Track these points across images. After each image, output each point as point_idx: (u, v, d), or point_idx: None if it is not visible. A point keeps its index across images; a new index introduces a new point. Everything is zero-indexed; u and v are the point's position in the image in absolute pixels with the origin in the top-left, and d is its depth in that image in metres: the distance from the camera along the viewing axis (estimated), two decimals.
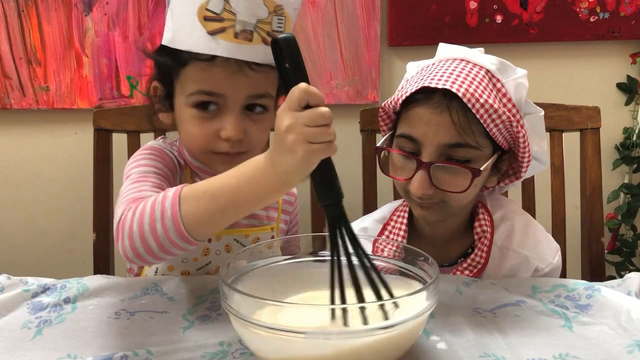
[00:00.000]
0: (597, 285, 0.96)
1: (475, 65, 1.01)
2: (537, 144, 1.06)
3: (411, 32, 1.68)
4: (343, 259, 0.74)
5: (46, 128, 1.71)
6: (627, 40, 1.75)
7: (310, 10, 1.64)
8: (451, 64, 1.01)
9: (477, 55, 1.02)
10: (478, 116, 0.96)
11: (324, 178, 0.73)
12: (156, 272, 1.07)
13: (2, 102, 1.65)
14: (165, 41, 0.97)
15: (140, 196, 0.86)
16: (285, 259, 0.89)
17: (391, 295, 0.73)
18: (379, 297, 0.73)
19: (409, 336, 0.73)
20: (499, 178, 1.09)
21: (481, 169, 0.98)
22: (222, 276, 0.74)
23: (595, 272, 1.37)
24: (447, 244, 1.12)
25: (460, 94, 0.94)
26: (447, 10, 1.67)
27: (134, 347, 0.79)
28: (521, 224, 1.11)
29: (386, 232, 1.13)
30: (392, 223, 1.14)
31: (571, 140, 1.41)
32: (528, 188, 1.40)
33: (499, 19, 1.69)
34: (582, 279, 1.09)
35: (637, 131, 1.80)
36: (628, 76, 1.79)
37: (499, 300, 0.95)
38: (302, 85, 0.70)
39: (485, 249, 1.07)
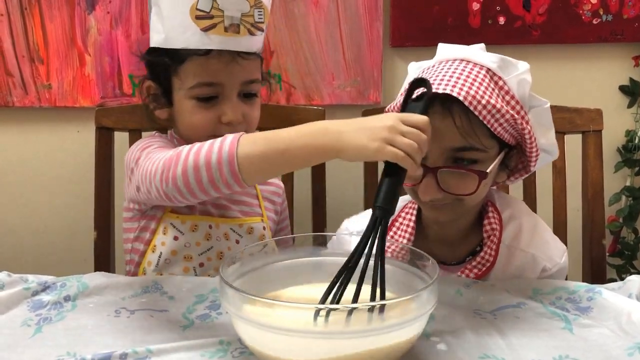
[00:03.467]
0: (598, 287, 0.96)
1: (475, 65, 0.99)
2: (544, 135, 1.04)
3: (414, 33, 1.68)
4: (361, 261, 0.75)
5: (48, 126, 1.71)
6: (630, 42, 1.74)
7: (312, 11, 1.64)
8: (451, 66, 0.99)
9: (478, 53, 1.01)
10: (481, 117, 0.95)
11: (390, 184, 0.79)
12: (160, 256, 1.09)
13: (5, 100, 1.65)
14: (157, 43, 1.07)
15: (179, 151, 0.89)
16: (284, 258, 0.89)
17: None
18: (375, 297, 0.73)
19: (409, 337, 0.73)
20: (509, 173, 1.08)
21: (487, 170, 0.97)
22: (222, 275, 0.74)
23: (596, 274, 1.37)
24: (456, 242, 1.11)
25: (461, 98, 0.93)
26: (449, 11, 1.67)
27: (133, 345, 0.79)
28: (529, 223, 1.11)
29: (394, 229, 1.12)
30: (400, 219, 1.13)
31: (573, 143, 1.40)
32: (530, 190, 1.40)
33: (501, 20, 1.69)
34: (583, 281, 1.09)
35: (639, 134, 1.79)
36: (631, 79, 1.79)
37: (500, 301, 0.95)
38: (426, 118, 0.82)
39: (494, 247, 1.06)
